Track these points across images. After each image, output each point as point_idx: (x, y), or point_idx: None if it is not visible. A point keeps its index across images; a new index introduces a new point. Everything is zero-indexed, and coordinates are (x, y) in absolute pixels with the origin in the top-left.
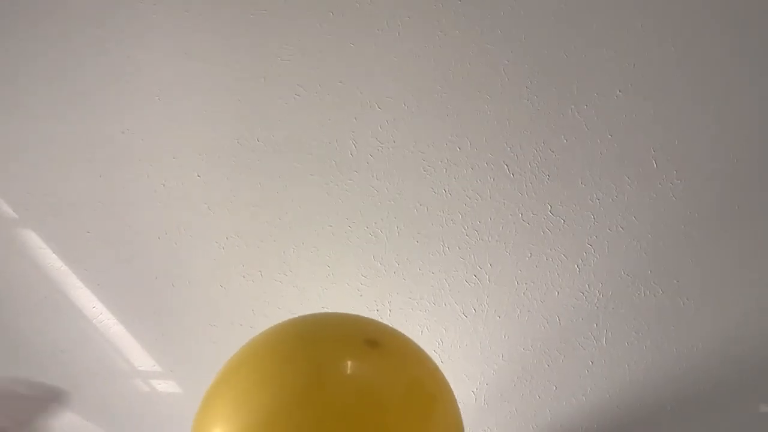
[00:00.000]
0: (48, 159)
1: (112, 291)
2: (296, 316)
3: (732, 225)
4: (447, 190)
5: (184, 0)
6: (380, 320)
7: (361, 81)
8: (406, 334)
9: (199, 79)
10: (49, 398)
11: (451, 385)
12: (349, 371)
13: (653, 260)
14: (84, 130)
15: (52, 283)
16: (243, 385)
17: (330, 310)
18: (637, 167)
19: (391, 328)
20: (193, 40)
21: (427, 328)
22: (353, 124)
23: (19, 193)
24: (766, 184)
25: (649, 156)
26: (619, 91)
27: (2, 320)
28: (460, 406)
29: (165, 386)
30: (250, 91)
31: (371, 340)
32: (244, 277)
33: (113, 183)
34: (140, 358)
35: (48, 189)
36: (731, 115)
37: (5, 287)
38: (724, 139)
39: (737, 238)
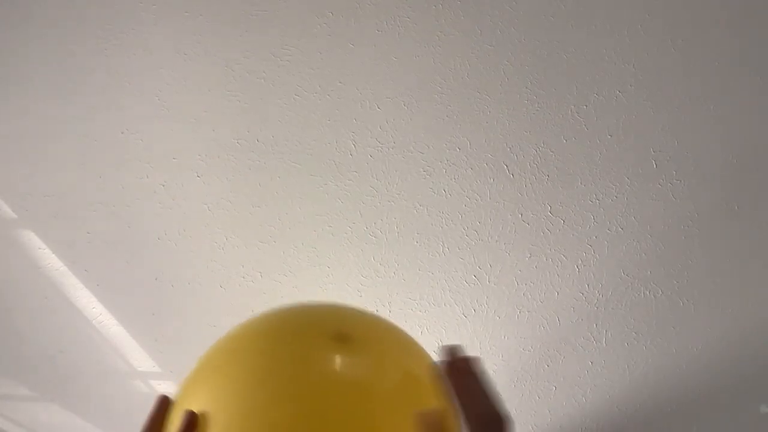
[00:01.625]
0: (47, 159)
1: (111, 291)
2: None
3: (732, 225)
4: (447, 190)
5: (183, 1)
6: None
7: (360, 81)
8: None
9: (199, 79)
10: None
11: None
12: (317, 370)
13: (653, 261)
14: (83, 130)
15: (51, 284)
16: (208, 397)
17: None
18: (637, 167)
19: (370, 318)
20: (193, 40)
21: (426, 328)
22: (353, 124)
23: (19, 194)
24: (766, 184)
25: (648, 156)
26: (619, 92)
27: (2, 321)
28: None
29: (164, 387)
30: (250, 91)
31: (342, 335)
32: (243, 277)
33: (113, 183)
34: (139, 359)
35: (47, 189)
36: (731, 116)
37: (4, 288)
38: (724, 140)
39: (737, 238)
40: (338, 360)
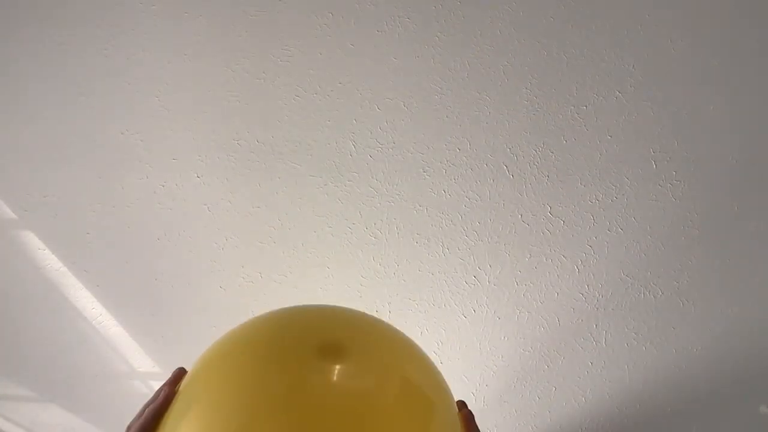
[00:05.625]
0: (47, 160)
1: (111, 292)
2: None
3: (731, 226)
4: (446, 191)
5: (183, 1)
6: None
7: (360, 82)
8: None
9: (199, 79)
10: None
11: (451, 387)
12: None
13: (653, 261)
14: (83, 130)
15: (51, 284)
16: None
17: None
18: (637, 168)
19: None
20: (193, 40)
21: (426, 329)
22: (353, 124)
23: (19, 194)
24: (765, 184)
25: (648, 157)
26: (619, 92)
27: (2, 321)
28: None
29: None
30: (250, 91)
31: (330, 348)
32: (243, 278)
33: (112, 184)
34: (139, 359)
35: (47, 190)
36: (731, 116)
37: (5, 288)
38: (724, 140)
39: (737, 239)
40: (327, 375)
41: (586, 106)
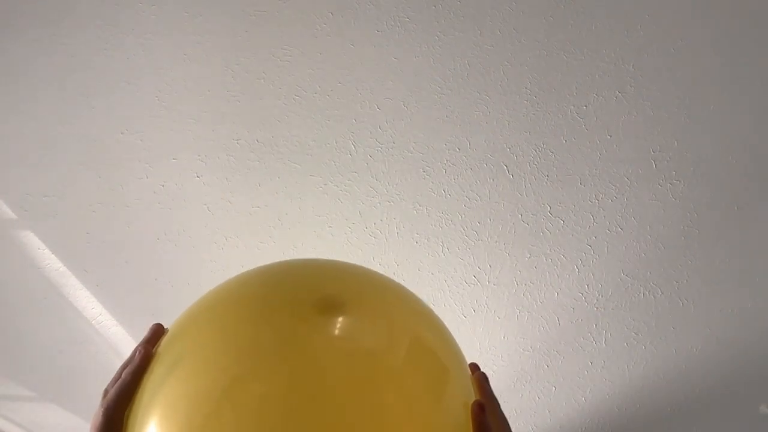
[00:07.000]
0: (47, 159)
1: (111, 292)
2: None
3: (731, 226)
4: (446, 190)
5: (183, 1)
6: None
7: (360, 82)
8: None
9: (198, 79)
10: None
11: None
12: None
13: (652, 261)
14: (83, 130)
15: (51, 284)
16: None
17: None
18: (637, 168)
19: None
20: (192, 41)
21: None
22: (352, 124)
23: (18, 194)
24: (765, 184)
25: (648, 157)
26: (618, 92)
27: (1, 321)
28: None
29: None
30: (250, 91)
31: (329, 301)
32: None
33: (112, 184)
34: None
35: (47, 190)
36: (730, 116)
37: (4, 288)
38: (723, 140)
39: (736, 239)
40: (326, 330)
41: (586, 106)
